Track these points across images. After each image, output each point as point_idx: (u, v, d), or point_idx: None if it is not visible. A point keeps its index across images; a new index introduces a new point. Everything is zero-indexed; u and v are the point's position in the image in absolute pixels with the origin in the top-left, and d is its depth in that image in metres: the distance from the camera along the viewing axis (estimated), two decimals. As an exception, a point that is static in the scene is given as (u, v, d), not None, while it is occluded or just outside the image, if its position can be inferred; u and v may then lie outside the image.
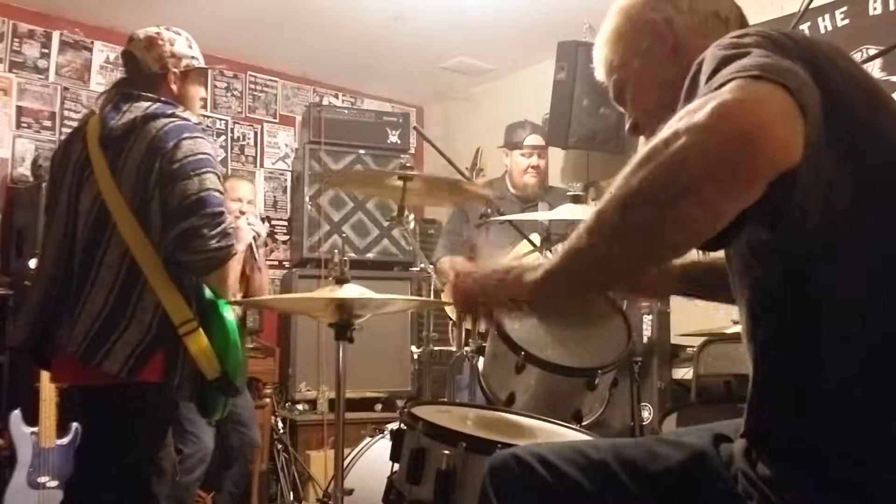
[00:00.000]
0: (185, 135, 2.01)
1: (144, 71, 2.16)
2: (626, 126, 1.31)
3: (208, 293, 2.11)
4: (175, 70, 2.18)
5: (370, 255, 4.49)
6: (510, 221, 3.05)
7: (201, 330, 1.99)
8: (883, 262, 0.95)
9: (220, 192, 2.03)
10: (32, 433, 3.19)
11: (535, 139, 3.76)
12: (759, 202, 0.83)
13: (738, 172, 0.81)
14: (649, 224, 0.87)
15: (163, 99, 2.10)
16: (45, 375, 2.90)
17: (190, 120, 2.09)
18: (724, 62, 0.90)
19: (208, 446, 3.04)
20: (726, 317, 2.65)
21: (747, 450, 1.05)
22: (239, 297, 2.96)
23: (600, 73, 1.33)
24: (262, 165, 4.95)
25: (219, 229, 1.98)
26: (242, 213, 3.35)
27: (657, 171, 0.84)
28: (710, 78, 0.90)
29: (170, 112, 2.05)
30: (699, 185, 0.82)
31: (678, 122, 0.85)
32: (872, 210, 0.94)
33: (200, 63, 2.27)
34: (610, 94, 1.32)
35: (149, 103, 2.07)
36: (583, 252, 0.95)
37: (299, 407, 4.17)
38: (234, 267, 2.99)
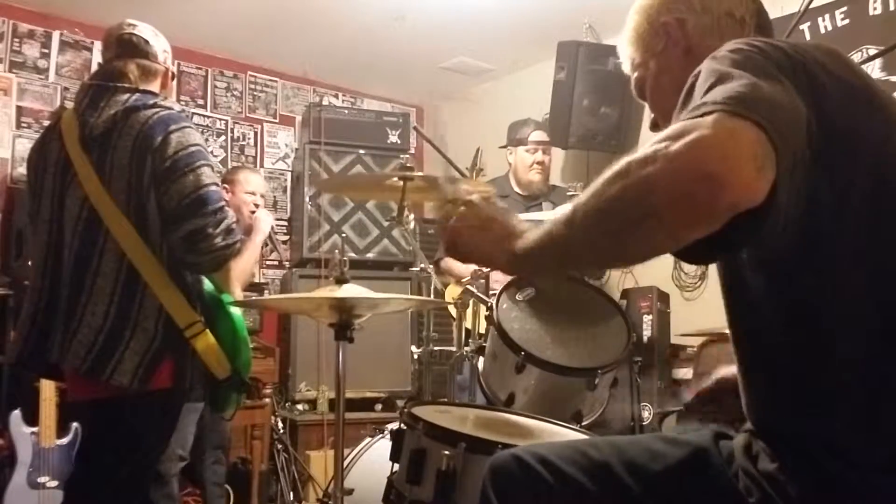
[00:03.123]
0: (172, 127, 1.93)
1: (151, 58, 2.09)
2: (648, 123, 1.34)
3: (210, 287, 2.07)
4: (170, 68, 2.15)
5: (370, 255, 4.48)
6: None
7: (208, 331, 1.95)
8: (875, 264, 0.96)
9: (217, 185, 1.97)
10: (32, 433, 3.19)
11: (539, 135, 3.76)
12: (730, 228, 0.86)
13: (699, 207, 0.84)
14: (614, 233, 0.93)
15: (141, 89, 2.01)
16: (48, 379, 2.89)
17: (173, 108, 1.99)
18: (716, 81, 0.92)
19: (187, 440, 3.01)
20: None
21: (748, 446, 1.05)
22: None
23: (626, 68, 1.35)
24: (262, 165, 4.95)
25: (223, 226, 1.92)
26: (257, 205, 3.34)
27: (629, 189, 0.89)
28: (705, 93, 0.91)
29: (151, 102, 1.96)
30: (662, 211, 0.86)
31: (657, 143, 0.88)
32: (860, 211, 0.95)
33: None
34: (633, 90, 1.34)
35: (127, 95, 1.97)
36: (557, 239, 1.00)
37: (299, 407, 4.16)
38: (251, 259, 2.98)
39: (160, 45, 2.13)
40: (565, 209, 1.00)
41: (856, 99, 0.99)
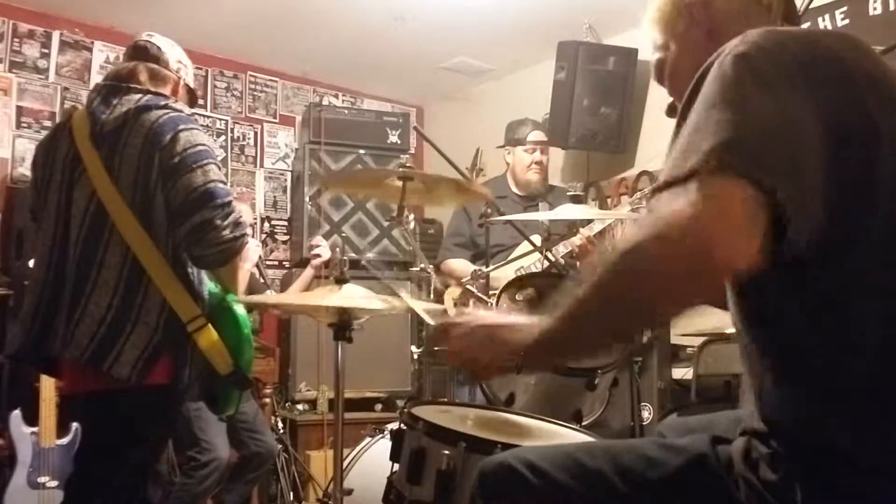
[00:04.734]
0: (181, 126, 1.96)
1: (162, 64, 2.11)
2: (666, 107, 1.31)
3: (213, 288, 2.08)
4: (184, 79, 2.17)
5: (370, 255, 4.49)
6: (510, 222, 3.06)
7: (210, 326, 1.96)
8: (891, 270, 0.94)
9: (224, 183, 2.00)
10: (32, 433, 3.19)
11: (537, 135, 3.74)
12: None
13: (699, 281, 0.92)
14: (628, 315, 1.00)
15: (152, 90, 2.04)
16: (45, 375, 2.90)
17: (183, 111, 2.02)
18: (704, 117, 0.94)
19: (223, 455, 3.03)
20: (726, 316, 2.65)
21: (747, 451, 1.04)
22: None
23: (650, 52, 1.34)
24: (262, 165, 4.95)
25: (230, 219, 1.95)
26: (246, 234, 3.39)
27: (632, 274, 0.96)
28: (693, 130, 0.94)
29: (162, 103, 1.99)
30: (667, 289, 0.94)
31: (650, 224, 0.93)
32: (879, 217, 0.95)
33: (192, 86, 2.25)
34: (652, 72, 1.33)
35: (139, 95, 2.01)
36: (575, 321, 1.04)
37: (299, 407, 4.17)
38: (241, 286, 3.06)
39: (174, 55, 2.16)
40: (567, 298, 1.03)
41: (876, 90, 0.98)
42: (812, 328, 0.97)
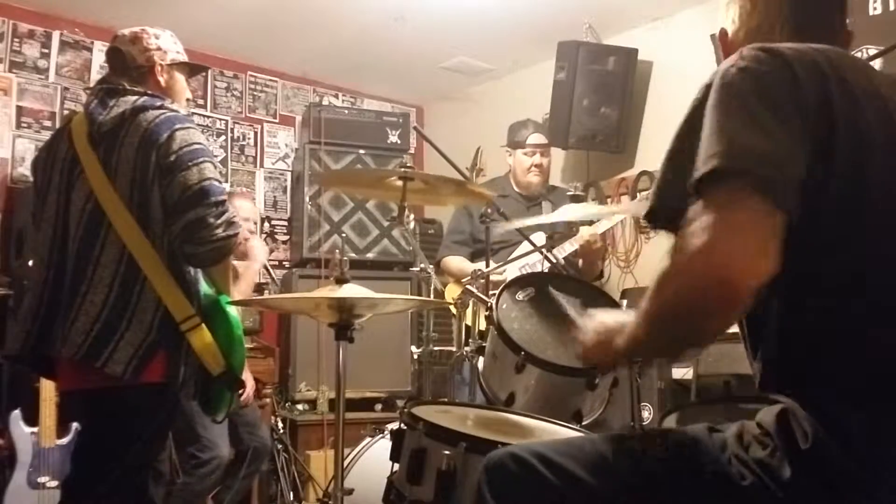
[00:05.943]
0: (178, 126, 1.99)
1: (130, 65, 2.13)
2: None
3: (207, 289, 2.09)
4: (161, 63, 2.17)
5: (370, 255, 4.49)
6: (511, 221, 3.06)
7: (204, 325, 1.97)
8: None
9: (220, 182, 2.03)
10: (32, 433, 3.19)
11: (537, 138, 3.75)
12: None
13: (727, 306, 0.97)
14: (675, 341, 1.09)
15: (149, 92, 2.07)
16: (43, 377, 2.89)
17: (179, 111, 2.06)
18: (719, 118, 1.02)
19: (223, 453, 3.03)
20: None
21: (739, 435, 1.11)
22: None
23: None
24: (262, 165, 4.95)
25: (224, 218, 1.97)
26: (252, 232, 3.38)
27: (669, 305, 1.03)
28: (719, 118, 1.01)
29: (158, 104, 2.03)
30: (702, 320, 1.00)
31: (676, 250, 1.01)
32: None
33: (185, 58, 2.25)
34: None
35: (135, 97, 2.04)
36: (638, 343, 1.13)
37: (299, 407, 4.17)
38: (249, 286, 3.07)
39: (139, 48, 2.16)
40: (628, 314, 1.15)
41: (872, 106, 1.06)
42: (795, 308, 1.06)
